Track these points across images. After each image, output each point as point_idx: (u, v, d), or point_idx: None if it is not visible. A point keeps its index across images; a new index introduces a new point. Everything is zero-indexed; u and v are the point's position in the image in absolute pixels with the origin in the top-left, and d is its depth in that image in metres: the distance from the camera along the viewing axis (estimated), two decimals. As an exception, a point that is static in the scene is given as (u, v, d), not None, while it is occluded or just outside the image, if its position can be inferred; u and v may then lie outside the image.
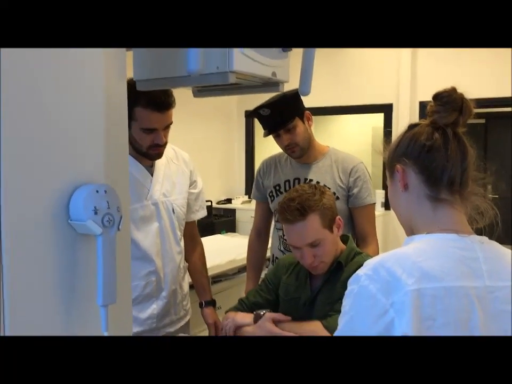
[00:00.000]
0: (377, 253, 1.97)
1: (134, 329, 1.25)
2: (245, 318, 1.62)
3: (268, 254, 2.34)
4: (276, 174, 2.17)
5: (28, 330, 0.69)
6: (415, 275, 0.82)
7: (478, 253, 0.88)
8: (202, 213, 2.01)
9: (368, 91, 5.07)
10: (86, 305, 0.76)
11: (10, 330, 0.66)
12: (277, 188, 2.15)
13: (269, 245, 2.31)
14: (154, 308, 1.77)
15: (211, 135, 5.76)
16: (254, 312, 1.59)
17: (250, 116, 2.05)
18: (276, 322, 1.51)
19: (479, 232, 0.95)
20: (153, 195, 1.76)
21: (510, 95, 4.28)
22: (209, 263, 2.48)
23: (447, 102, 0.94)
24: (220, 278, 2.71)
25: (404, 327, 0.79)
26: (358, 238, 2.04)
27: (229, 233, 4.45)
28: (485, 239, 0.92)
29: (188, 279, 1.98)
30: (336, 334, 0.88)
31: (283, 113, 1.97)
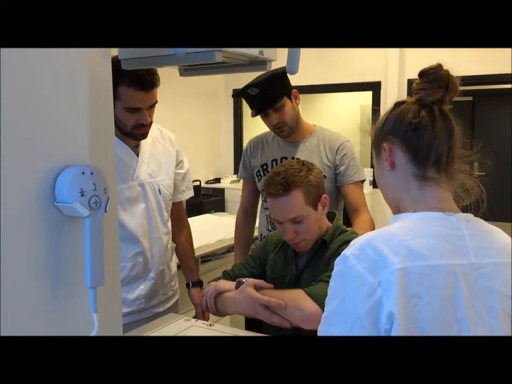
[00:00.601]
0: (371, 222, 1.98)
1: (122, 310, 1.25)
2: (226, 284, 1.61)
3: (256, 233, 2.34)
4: (263, 153, 2.17)
5: (16, 314, 0.68)
6: (401, 254, 0.83)
7: (463, 231, 0.89)
8: (189, 193, 2.01)
9: (356, 69, 5.04)
10: (74, 288, 0.76)
11: (-2, 313, 0.66)
12: (264, 167, 2.14)
13: (257, 224, 2.31)
14: (142, 288, 1.77)
15: (199, 115, 5.71)
16: (237, 280, 1.58)
17: (238, 95, 2.03)
18: (258, 288, 1.50)
19: (464, 209, 0.96)
20: (139, 176, 1.74)
21: (497, 72, 4.29)
22: (198, 243, 2.48)
23: (434, 79, 0.93)
24: (209, 257, 2.72)
25: (391, 305, 0.80)
26: (350, 210, 2.04)
27: (218, 212, 4.45)
28: (470, 216, 0.93)
29: (175, 260, 1.99)
30: (325, 314, 0.88)
31: (272, 92, 1.95)
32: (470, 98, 6.82)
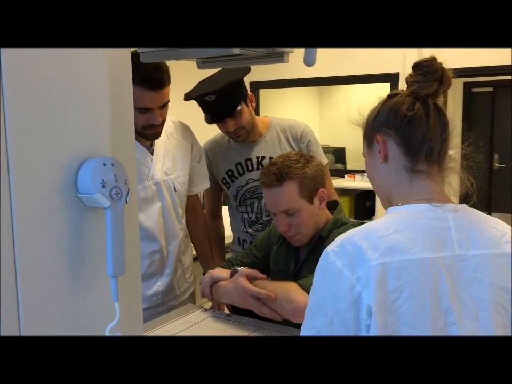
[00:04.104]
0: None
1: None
2: (221, 272, 1.62)
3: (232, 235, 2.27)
4: (223, 160, 2.10)
5: (38, 303, 0.70)
6: (380, 249, 0.82)
7: (449, 222, 0.88)
8: (205, 185, 2.00)
9: (374, 60, 4.99)
10: (96, 277, 0.77)
11: (22, 303, 0.67)
12: (230, 173, 2.09)
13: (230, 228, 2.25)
14: (159, 285, 1.78)
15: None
16: (232, 268, 1.59)
17: (193, 99, 1.92)
18: (251, 278, 1.49)
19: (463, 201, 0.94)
20: (154, 175, 1.73)
21: (518, 63, 4.21)
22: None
23: (428, 72, 0.92)
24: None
25: (369, 299, 0.80)
26: None
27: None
28: (460, 206, 0.91)
29: (190, 252, 1.99)
30: (307, 308, 0.89)
31: (229, 100, 1.90)
32: (491, 89, 6.71)
